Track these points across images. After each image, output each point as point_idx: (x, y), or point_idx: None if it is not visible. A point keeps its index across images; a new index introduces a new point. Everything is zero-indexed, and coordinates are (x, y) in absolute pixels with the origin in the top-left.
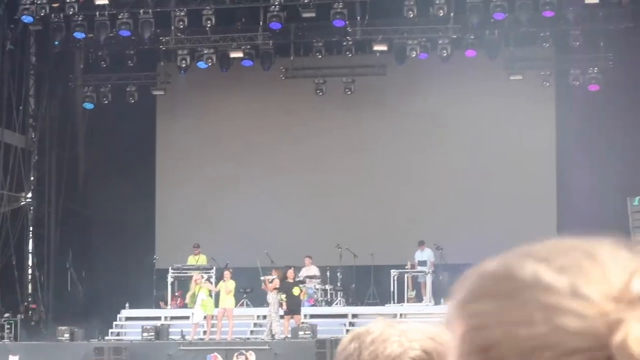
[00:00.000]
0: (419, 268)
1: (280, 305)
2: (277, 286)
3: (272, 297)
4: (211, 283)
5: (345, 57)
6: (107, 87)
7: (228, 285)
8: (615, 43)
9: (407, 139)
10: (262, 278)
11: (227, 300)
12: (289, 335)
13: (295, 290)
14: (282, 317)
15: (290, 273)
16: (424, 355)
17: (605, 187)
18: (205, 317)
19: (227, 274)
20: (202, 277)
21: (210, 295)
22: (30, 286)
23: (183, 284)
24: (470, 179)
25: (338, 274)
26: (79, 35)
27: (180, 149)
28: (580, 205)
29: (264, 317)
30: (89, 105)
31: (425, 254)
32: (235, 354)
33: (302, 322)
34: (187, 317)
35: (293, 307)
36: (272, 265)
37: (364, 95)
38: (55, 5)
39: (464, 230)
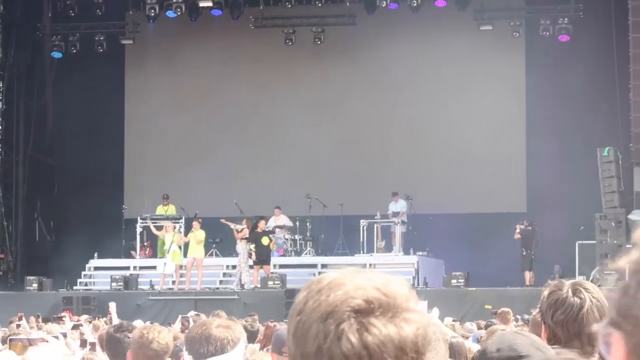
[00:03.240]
0: (391, 218)
1: (250, 255)
2: (246, 236)
3: (242, 247)
4: (181, 233)
5: (315, 6)
6: (76, 36)
7: (198, 235)
8: None
9: (377, 89)
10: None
11: (197, 250)
12: (259, 285)
13: (264, 240)
14: (251, 267)
15: (261, 224)
16: (364, 304)
17: (575, 136)
18: (174, 268)
19: (196, 224)
20: (175, 227)
21: (180, 246)
22: None
23: (152, 234)
24: (439, 130)
25: (307, 224)
26: None
27: (148, 98)
28: (550, 155)
29: (234, 267)
30: (57, 54)
31: (399, 205)
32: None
33: (272, 272)
34: (156, 267)
35: (262, 257)
36: (242, 216)
37: (333, 45)
38: None
39: (434, 180)
